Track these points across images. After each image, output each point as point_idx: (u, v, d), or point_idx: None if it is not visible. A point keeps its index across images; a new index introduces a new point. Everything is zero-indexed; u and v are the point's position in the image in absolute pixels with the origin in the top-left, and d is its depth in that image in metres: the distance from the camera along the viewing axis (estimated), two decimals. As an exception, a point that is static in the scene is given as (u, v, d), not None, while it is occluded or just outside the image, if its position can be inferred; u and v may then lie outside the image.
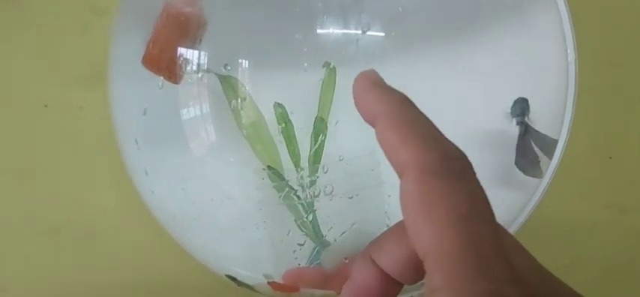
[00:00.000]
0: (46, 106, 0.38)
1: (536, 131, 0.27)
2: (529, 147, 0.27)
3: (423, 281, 0.20)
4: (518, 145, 0.27)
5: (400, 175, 0.17)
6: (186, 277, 0.37)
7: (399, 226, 0.20)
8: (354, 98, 0.19)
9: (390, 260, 0.20)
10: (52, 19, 0.38)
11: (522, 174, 0.28)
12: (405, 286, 0.21)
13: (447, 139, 0.18)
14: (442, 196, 0.16)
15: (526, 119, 0.26)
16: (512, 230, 0.30)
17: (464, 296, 0.15)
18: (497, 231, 0.17)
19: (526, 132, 0.26)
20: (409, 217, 0.17)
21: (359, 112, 0.19)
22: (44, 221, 0.38)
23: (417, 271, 0.19)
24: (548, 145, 0.29)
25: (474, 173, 0.17)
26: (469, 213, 0.16)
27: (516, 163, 0.27)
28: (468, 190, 0.17)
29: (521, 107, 0.26)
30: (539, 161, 0.28)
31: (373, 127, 0.18)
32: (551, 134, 0.29)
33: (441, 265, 0.16)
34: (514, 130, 0.26)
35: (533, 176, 0.28)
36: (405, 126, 0.18)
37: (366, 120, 0.19)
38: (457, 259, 0.15)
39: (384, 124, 0.18)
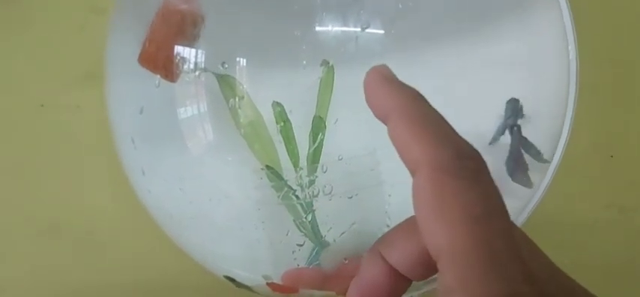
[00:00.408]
0: (42, 105, 0.38)
1: (526, 139, 0.27)
2: (518, 153, 0.27)
3: (425, 281, 0.20)
4: (510, 148, 0.26)
5: (412, 173, 0.17)
6: (185, 277, 0.37)
7: (410, 222, 0.20)
8: (365, 93, 0.19)
9: (400, 256, 0.19)
10: (49, 18, 0.38)
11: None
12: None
13: (460, 136, 0.17)
14: (455, 194, 0.16)
15: (518, 121, 0.26)
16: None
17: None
18: (511, 229, 0.16)
19: (517, 137, 0.26)
20: (422, 215, 0.17)
21: (370, 107, 0.19)
22: (42, 221, 0.38)
23: (427, 267, 0.19)
24: (538, 156, 0.28)
25: (487, 172, 0.17)
26: (483, 212, 0.16)
27: (506, 165, 0.27)
28: (482, 189, 0.16)
29: (513, 108, 0.26)
30: (528, 170, 0.27)
31: (385, 123, 0.18)
32: (552, 132, 0.29)
33: (454, 265, 0.15)
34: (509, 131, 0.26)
35: (521, 184, 0.28)
36: (417, 123, 0.17)
37: (377, 116, 0.19)
38: (471, 259, 0.15)
39: (396, 121, 0.18)
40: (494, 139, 0.26)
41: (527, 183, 0.28)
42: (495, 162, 0.26)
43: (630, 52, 0.43)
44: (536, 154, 0.27)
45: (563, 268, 0.19)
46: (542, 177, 0.30)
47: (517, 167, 0.27)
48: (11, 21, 0.37)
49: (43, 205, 0.38)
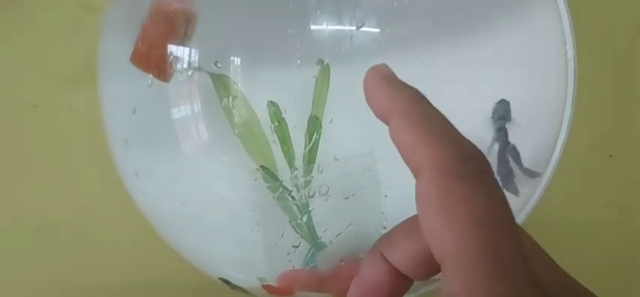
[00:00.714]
0: (35, 106, 0.37)
1: (511, 145, 0.26)
2: (504, 159, 0.26)
3: (426, 282, 0.20)
4: (498, 153, 0.26)
5: (416, 175, 0.17)
6: (181, 277, 0.37)
7: (411, 222, 0.19)
8: (365, 93, 0.19)
9: (402, 256, 0.19)
10: (41, 18, 0.37)
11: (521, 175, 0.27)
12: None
13: (464, 137, 0.17)
14: (460, 197, 0.16)
15: (506, 124, 0.25)
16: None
17: None
18: (517, 232, 0.16)
19: (504, 140, 0.26)
20: (425, 218, 0.16)
21: (370, 107, 0.19)
22: (36, 222, 0.38)
23: (428, 267, 0.19)
24: (521, 163, 0.27)
25: (492, 173, 0.17)
26: (487, 214, 0.16)
27: (498, 173, 0.26)
28: (486, 190, 0.16)
29: (502, 109, 0.25)
30: (514, 177, 0.27)
31: (386, 124, 0.18)
32: (551, 132, 0.29)
33: (458, 269, 0.15)
34: (509, 126, 0.26)
35: (507, 190, 0.27)
36: (420, 123, 0.17)
37: (378, 116, 0.18)
38: (476, 263, 0.15)
39: (398, 122, 0.17)
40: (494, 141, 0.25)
41: (514, 191, 0.27)
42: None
43: (629, 52, 0.43)
44: (525, 168, 0.27)
45: (562, 268, 0.19)
46: (540, 178, 0.29)
47: (506, 174, 0.26)
48: (2, 22, 0.37)
49: (37, 205, 0.38)
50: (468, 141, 0.17)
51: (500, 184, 0.26)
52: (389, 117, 0.18)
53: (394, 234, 0.20)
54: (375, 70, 0.19)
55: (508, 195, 0.27)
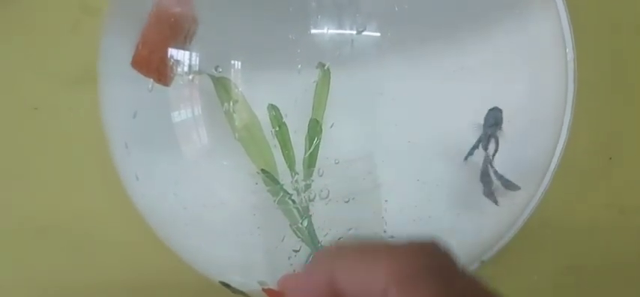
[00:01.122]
0: (36, 109, 0.37)
1: (496, 171, 0.26)
2: (492, 167, 0.26)
3: None
4: (485, 159, 0.26)
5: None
6: (180, 278, 0.37)
7: (368, 247, 0.18)
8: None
9: (356, 284, 0.17)
10: (41, 20, 0.37)
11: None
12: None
13: (406, 242, 0.16)
14: None
15: (498, 132, 0.25)
16: (511, 232, 0.30)
17: None
18: None
19: (494, 149, 0.25)
20: None
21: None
22: (35, 223, 0.38)
23: None
24: (504, 182, 0.27)
25: (452, 259, 0.16)
26: None
27: (481, 179, 0.26)
28: (456, 290, 0.15)
29: (494, 117, 0.25)
30: (493, 185, 0.26)
31: (333, 287, 0.17)
32: (551, 134, 0.29)
33: None
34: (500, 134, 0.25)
35: (489, 198, 0.27)
36: (358, 254, 0.16)
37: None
38: None
39: (341, 269, 0.16)
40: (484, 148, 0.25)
41: (494, 200, 0.27)
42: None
43: (629, 53, 0.43)
44: (506, 182, 0.27)
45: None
46: (541, 180, 0.29)
47: (485, 181, 0.26)
48: (2, 22, 0.37)
49: (38, 207, 0.38)
50: (415, 240, 0.16)
51: (483, 191, 0.26)
52: (329, 278, 0.16)
53: (349, 255, 0.18)
54: (285, 280, 0.18)
55: (519, 192, 0.27)
